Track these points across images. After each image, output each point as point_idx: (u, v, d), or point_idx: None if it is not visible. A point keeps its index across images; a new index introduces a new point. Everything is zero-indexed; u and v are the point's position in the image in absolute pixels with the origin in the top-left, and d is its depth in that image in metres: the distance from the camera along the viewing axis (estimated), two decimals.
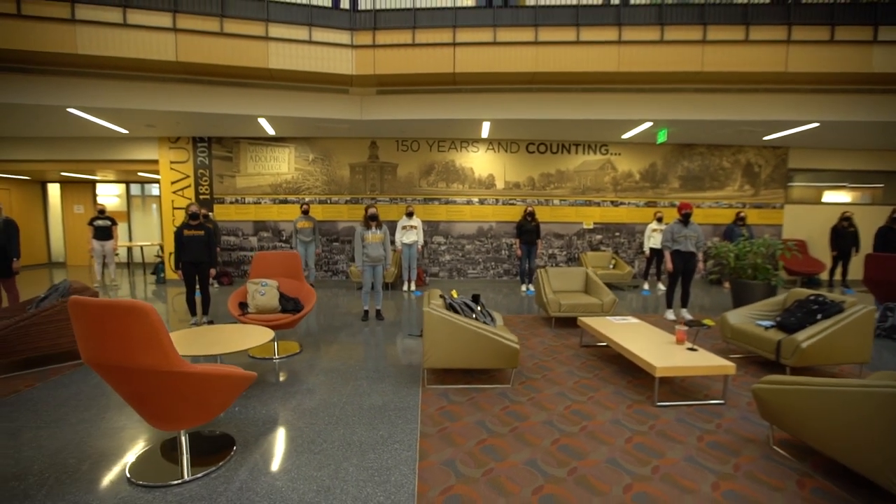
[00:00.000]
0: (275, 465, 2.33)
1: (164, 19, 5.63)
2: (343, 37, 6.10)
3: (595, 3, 6.38)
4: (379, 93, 6.75)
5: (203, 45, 5.74)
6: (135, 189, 11.74)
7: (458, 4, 6.25)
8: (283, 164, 8.55)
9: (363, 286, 5.50)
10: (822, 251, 8.69)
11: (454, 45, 6.03)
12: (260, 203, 8.61)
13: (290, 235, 8.41)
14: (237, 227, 8.61)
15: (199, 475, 2.23)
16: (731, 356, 4.11)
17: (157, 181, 11.35)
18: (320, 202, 8.64)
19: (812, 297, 3.85)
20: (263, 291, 4.14)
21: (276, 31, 5.93)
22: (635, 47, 6.00)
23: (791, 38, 5.99)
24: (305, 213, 7.67)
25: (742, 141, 8.46)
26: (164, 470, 2.30)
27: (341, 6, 6.26)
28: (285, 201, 8.62)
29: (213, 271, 5.22)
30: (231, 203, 8.57)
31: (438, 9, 6.11)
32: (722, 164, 8.95)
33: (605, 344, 4.55)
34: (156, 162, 8.46)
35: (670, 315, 5.72)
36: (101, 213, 7.82)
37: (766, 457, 2.47)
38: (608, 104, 6.68)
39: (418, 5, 6.20)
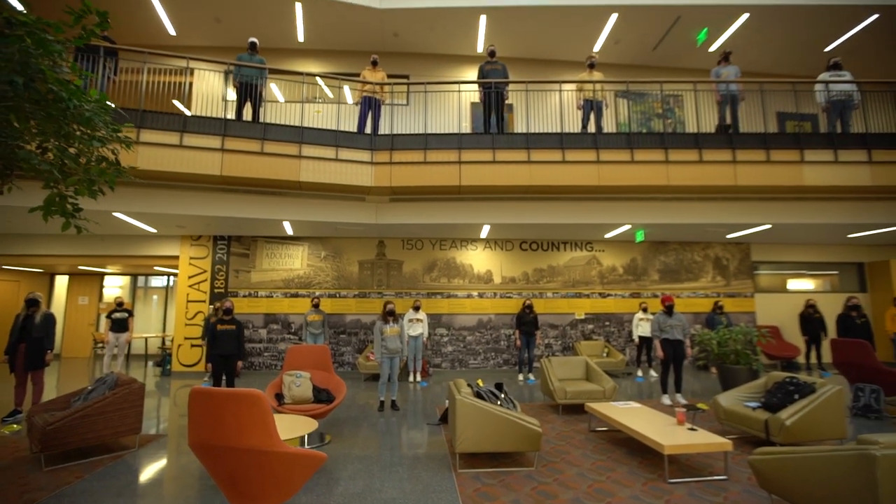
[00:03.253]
0: None
1: (214, 142, 6.59)
2: (364, 155, 7.16)
3: (575, 131, 7.73)
4: (392, 200, 7.70)
5: (245, 162, 6.67)
6: (139, 281, 12.12)
7: (463, 131, 7.50)
8: (296, 261, 9.20)
9: (381, 377, 5.82)
10: (795, 336, 9.41)
11: (459, 163, 7.13)
12: (272, 297, 9.07)
13: (300, 328, 8.75)
14: (248, 320, 8.92)
15: None
16: (729, 436, 4.48)
17: (169, 275, 11.81)
18: (329, 296, 9.15)
19: (788, 379, 4.41)
20: (299, 383, 4.49)
21: (308, 150, 6.94)
22: (611, 166, 7.19)
23: (736, 159, 7.29)
24: (316, 306, 8.14)
25: (708, 238, 9.60)
26: None
27: (365, 131, 7.43)
28: (296, 295, 9.11)
29: (240, 364, 5.54)
30: (244, 297, 9.00)
31: (446, 134, 7.31)
32: (694, 258, 9.99)
33: (608, 428, 4.89)
34: (175, 258, 9.00)
35: (666, 400, 6.12)
36: (120, 305, 8.12)
37: None
38: (591, 210, 7.74)
39: (429, 132, 7.41)
